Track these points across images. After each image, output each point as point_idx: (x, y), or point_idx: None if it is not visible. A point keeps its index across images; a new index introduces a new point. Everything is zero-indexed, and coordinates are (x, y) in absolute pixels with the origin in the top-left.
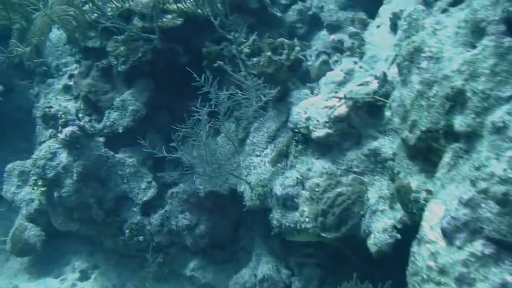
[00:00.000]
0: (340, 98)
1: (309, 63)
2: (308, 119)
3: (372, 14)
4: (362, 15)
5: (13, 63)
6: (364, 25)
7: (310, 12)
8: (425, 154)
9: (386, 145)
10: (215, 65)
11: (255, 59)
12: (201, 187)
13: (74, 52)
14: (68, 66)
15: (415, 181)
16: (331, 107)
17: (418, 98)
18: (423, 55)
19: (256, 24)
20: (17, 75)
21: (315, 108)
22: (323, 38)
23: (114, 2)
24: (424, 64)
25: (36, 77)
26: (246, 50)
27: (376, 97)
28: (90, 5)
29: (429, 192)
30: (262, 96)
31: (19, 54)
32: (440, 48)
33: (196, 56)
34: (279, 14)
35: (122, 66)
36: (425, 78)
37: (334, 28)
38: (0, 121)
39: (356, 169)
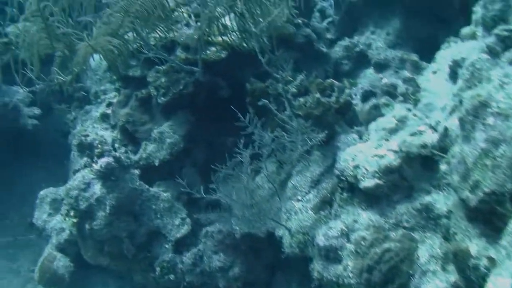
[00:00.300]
0: (394, 152)
1: (354, 101)
2: (356, 167)
3: (422, 54)
4: (414, 56)
5: (53, 90)
6: (416, 68)
7: (357, 49)
8: (487, 217)
9: (440, 201)
10: (260, 103)
11: (301, 100)
12: (237, 228)
13: (113, 79)
14: (107, 94)
15: (475, 245)
16: (381, 156)
17: (483, 157)
18: (489, 110)
19: (302, 59)
20: (55, 98)
21: (364, 156)
22: (369, 77)
23: (158, 32)
24: (490, 120)
25: (74, 101)
26: (293, 90)
27: (434, 151)
28: (134, 34)
29: (491, 260)
30: (308, 140)
31: (60, 82)
32: (509, 104)
33: (238, 90)
34: (324, 49)
35: (162, 98)
36: (492, 136)
37: (382, 66)
38: (36, 143)
39: (406, 224)
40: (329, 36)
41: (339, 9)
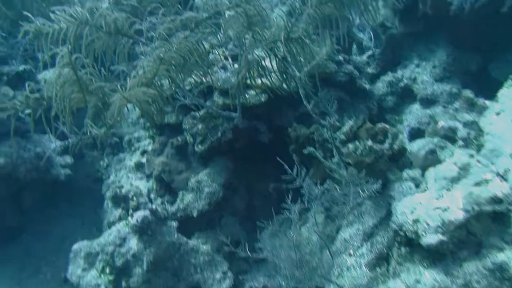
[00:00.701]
0: (459, 204)
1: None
2: (416, 221)
3: (473, 89)
4: (468, 93)
5: (86, 144)
6: (471, 105)
7: (402, 84)
8: None
9: None
10: (305, 151)
11: (351, 147)
12: (283, 283)
13: (147, 126)
14: (141, 141)
15: None
16: (445, 209)
17: None
18: None
19: (344, 97)
20: (87, 144)
21: (425, 208)
22: (416, 113)
23: (194, 77)
24: None
25: (106, 148)
26: (342, 137)
27: (508, 206)
28: (169, 81)
29: None
30: (361, 192)
31: (93, 135)
32: None
33: (278, 133)
34: (367, 86)
35: (200, 146)
36: None
37: (429, 102)
38: (68, 190)
39: (476, 285)
40: (370, 70)
41: (378, 41)
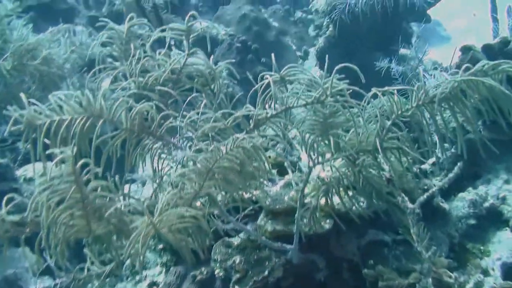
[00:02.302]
0: None
1: (491, 278)
2: None
3: None
4: None
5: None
6: None
7: (486, 204)
8: None
9: None
10: None
11: None
12: None
13: (159, 248)
14: (149, 268)
15: None
16: None
17: None
18: None
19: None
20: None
21: None
22: (507, 243)
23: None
24: None
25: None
26: None
27: None
28: (211, 200)
29: None
30: None
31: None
32: None
33: (336, 266)
34: (446, 206)
35: (237, 287)
36: None
37: None
38: None
39: None
40: (437, 182)
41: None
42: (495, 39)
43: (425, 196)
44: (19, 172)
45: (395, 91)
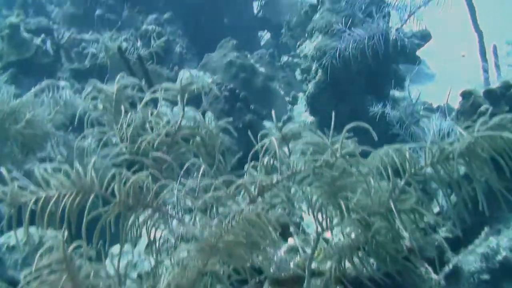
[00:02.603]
0: None
1: None
2: None
3: None
4: None
5: None
6: None
7: (499, 257)
8: None
9: None
10: None
11: None
12: None
13: None
14: None
15: None
16: None
17: None
18: None
19: None
20: None
21: None
22: None
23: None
24: None
25: None
26: None
27: None
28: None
29: None
30: None
31: None
32: None
33: None
34: (457, 261)
35: None
36: None
37: None
38: None
39: None
40: (443, 234)
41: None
42: (485, 79)
43: (450, 266)
44: (1, 240)
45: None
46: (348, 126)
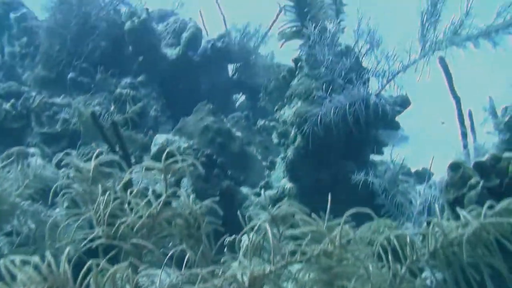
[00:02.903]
0: None
1: None
2: None
3: None
4: None
5: None
6: None
7: None
8: None
9: None
10: None
11: None
12: None
13: None
14: None
15: None
16: None
17: None
18: None
19: None
20: None
21: None
22: None
23: None
24: None
25: None
26: None
27: None
28: None
29: None
30: None
31: None
32: None
33: None
34: None
35: None
36: None
37: None
38: None
39: None
40: None
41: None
42: (464, 145)
43: None
44: None
45: (407, 234)
46: (348, 212)
